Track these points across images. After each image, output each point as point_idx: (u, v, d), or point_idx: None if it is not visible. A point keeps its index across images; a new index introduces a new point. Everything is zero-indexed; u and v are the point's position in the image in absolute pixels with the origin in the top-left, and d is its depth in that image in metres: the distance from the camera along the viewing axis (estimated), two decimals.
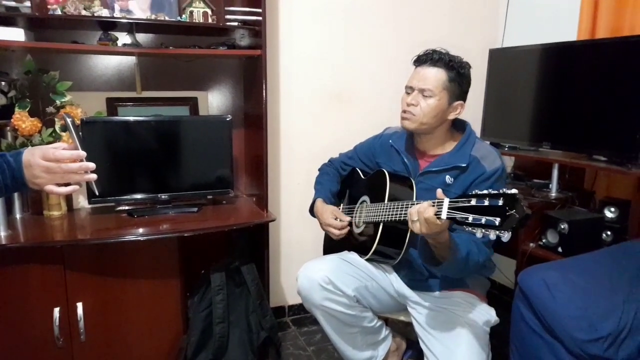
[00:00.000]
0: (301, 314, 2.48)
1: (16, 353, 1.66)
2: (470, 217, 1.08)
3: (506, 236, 1.04)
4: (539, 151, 2.20)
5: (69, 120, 1.17)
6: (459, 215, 1.11)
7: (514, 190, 1.05)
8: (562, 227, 1.81)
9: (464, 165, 1.49)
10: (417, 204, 1.25)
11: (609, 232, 1.84)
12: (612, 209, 1.87)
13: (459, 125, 1.61)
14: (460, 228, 1.15)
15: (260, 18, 1.91)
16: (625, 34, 2.00)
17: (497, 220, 1.03)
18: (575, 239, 1.79)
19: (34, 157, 1.08)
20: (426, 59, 1.51)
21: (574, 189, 2.11)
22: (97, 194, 1.19)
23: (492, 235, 1.05)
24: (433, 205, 1.20)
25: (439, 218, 1.18)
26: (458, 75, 1.49)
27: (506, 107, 2.36)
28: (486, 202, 1.06)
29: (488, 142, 2.30)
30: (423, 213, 1.20)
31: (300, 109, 2.35)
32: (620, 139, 1.83)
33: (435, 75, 1.48)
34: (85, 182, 1.14)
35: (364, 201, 1.70)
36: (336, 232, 1.67)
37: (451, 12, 2.56)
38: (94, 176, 1.13)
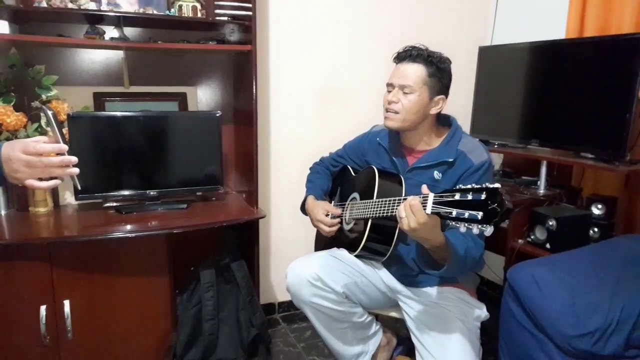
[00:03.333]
0: (291, 311, 2.48)
1: (2, 352, 1.63)
2: (454, 212, 1.09)
3: (489, 230, 1.05)
4: (527, 148, 2.22)
5: (49, 112, 1.14)
6: (443, 209, 1.12)
7: (497, 185, 1.06)
8: (550, 223, 1.83)
9: (451, 160, 1.50)
10: (404, 199, 1.26)
11: (596, 229, 1.87)
12: (599, 206, 1.90)
13: (444, 121, 1.62)
14: (444, 222, 1.16)
15: (250, 13, 1.90)
16: (612, 32, 2.02)
17: (480, 215, 1.04)
18: (563, 236, 1.80)
19: (13, 151, 1.05)
20: (405, 55, 1.52)
21: (561, 186, 2.13)
22: (79, 188, 1.16)
23: (475, 229, 1.06)
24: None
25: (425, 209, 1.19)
26: (437, 70, 1.50)
27: (495, 104, 2.38)
28: (469, 197, 1.07)
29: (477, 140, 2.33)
30: (408, 206, 1.21)
31: (290, 105, 2.34)
32: (607, 136, 1.85)
33: (414, 71, 1.49)
34: (67, 176, 1.11)
35: (354, 198, 1.70)
36: (326, 228, 1.67)
37: (441, 9, 2.56)
38: (76, 170, 1.10)
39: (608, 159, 1.84)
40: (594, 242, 1.84)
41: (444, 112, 1.59)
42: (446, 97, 1.54)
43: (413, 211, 1.20)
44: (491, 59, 2.39)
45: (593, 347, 1.31)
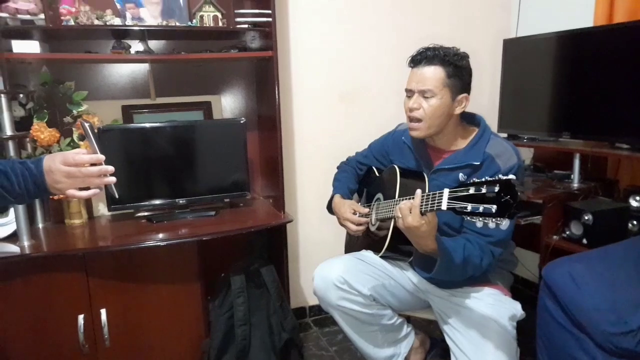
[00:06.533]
0: (322, 315, 2.47)
1: None
2: (469, 206, 1.08)
3: (504, 223, 1.04)
4: (558, 141, 2.16)
5: (87, 125, 1.19)
6: (458, 205, 1.11)
7: (511, 176, 1.04)
8: (586, 218, 1.77)
9: (477, 163, 1.46)
10: (424, 196, 1.25)
11: (635, 222, 1.79)
12: (638, 198, 1.82)
13: (471, 119, 1.57)
14: (460, 217, 1.16)
15: (270, 19, 1.91)
16: None
17: (494, 208, 1.02)
18: (600, 230, 1.74)
19: (54, 163, 1.10)
20: (421, 58, 1.47)
21: (596, 178, 2.06)
22: (116, 197, 1.20)
23: (491, 223, 1.05)
24: (434, 197, 1.20)
25: (424, 213, 1.23)
26: (456, 68, 1.44)
27: (523, 97, 2.32)
28: (483, 190, 1.06)
29: (505, 135, 2.27)
30: (405, 207, 1.24)
31: (313, 108, 2.35)
32: None
33: (433, 74, 1.44)
34: (105, 185, 1.16)
35: (378, 199, 1.68)
36: (353, 227, 1.65)
37: (463, 3, 2.52)
38: (113, 179, 1.15)
39: None
40: (633, 235, 1.76)
41: (469, 109, 1.55)
42: (468, 94, 1.50)
43: (411, 211, 1.23)
44: (517, 51, 2.33)
45: (637, 346, 1.25)
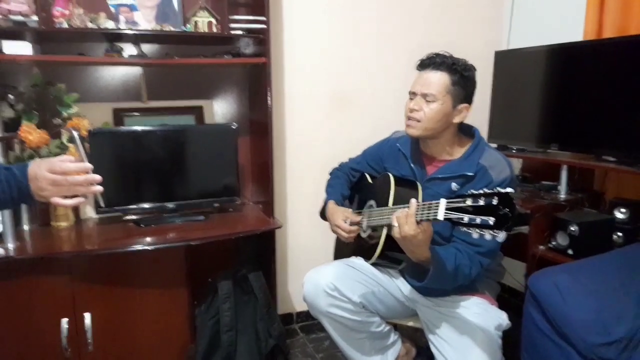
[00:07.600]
0: (309, 321, 2.46)
1: None
2: (466, 218, 1.08)
3: (501, 236, 1.05)
4: (547, 153, 2.18)
5: (75, 133, 1.19)
6: (455, 216, 1.11)
7: (509, 189, 1.05)
8: (572, 229, 1.79)
9: (471, 174, 1.48)
10: (420, 205, 1.25)
11: (619, 234, 1.81)
12: (623, 210, 1.84)
13: (467, 130, 1.59)
14: (450, 226, 1.16)
15: (264, 26, 1.92)
16: (632, 32, 1.98)
17: (492, 220, 1.03)
18: (586, 241, 1.76)
19: (40, 170, 1.08)
20: (429, 62, 1.50)
21: (583, 190, 2.08)
22: (102, 206, 1.20)
23: (488, 235, 1.06)
24: (430, 207, 1.20)
25: (420, 222, 1.22)
26: (462, 78, 1.47)
27: (513, 109, 2.35)
28: (481, 202, 1.06)
29: (495, 146, 2.29)
30: (401, 217, 1.24)
31: (306, 115, 2.35)
32: (630, 138, 1.81)
33: (438, 80, 1.47)
34: (91, 194, 1.15)
35: (370, 205, 1.69)
36: (344, 234, 1.66)
37: (456, 14, 2.55)
38: (100, 188, 1.14)
39: (631, 161, 1.79)
40: (618, 247, 1.78)
41: (466, 121, 1.57)
42: (470, 105, 1.52)
43: (407, 220, 1.23)
44: (508, 63, 2.36)
45: (619, 356, 1.27)
